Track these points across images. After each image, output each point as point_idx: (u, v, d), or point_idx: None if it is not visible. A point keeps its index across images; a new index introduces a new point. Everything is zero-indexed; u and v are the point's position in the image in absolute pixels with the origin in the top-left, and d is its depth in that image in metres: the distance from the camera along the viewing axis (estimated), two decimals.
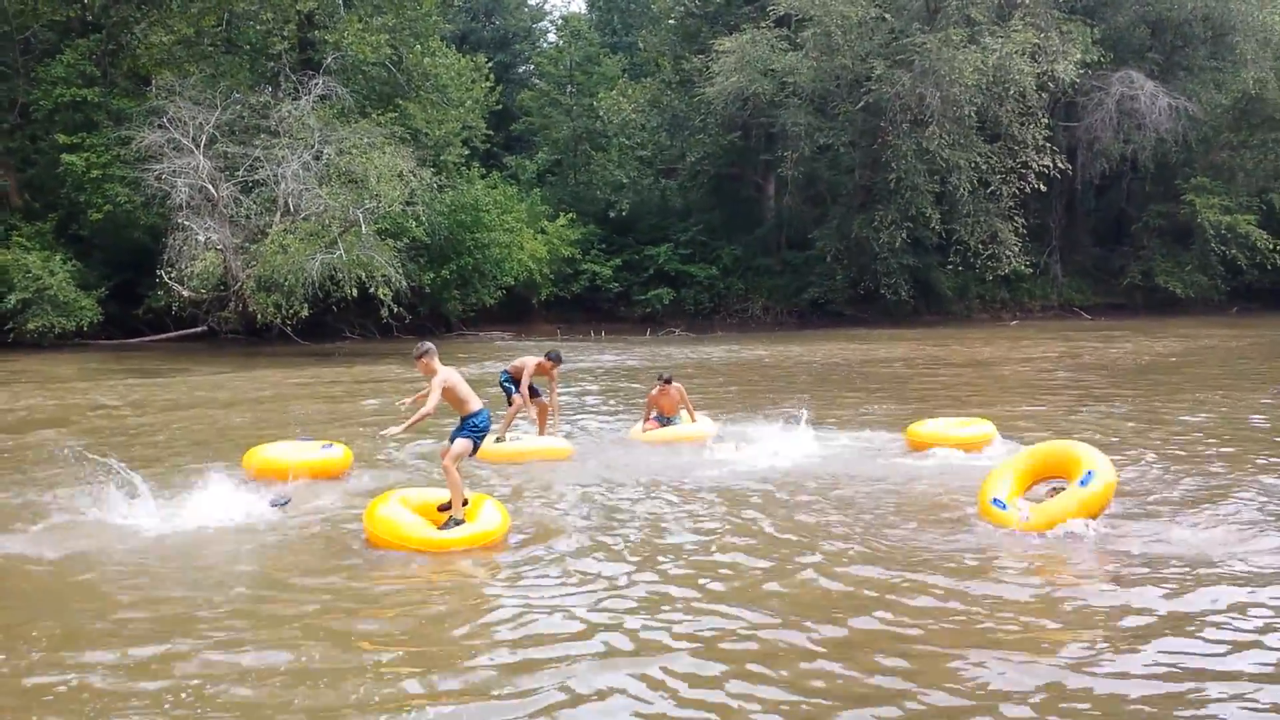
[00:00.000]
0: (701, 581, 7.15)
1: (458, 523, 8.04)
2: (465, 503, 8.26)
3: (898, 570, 7.32)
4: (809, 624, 6.24)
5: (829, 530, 8.49)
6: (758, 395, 17.84)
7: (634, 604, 6.69)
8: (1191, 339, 29.69)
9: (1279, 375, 20.30)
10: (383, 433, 8.84)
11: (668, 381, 13.24)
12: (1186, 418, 14.43)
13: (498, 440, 11.85)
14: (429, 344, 8.53)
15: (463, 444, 8.31)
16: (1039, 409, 15.89)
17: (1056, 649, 5.86)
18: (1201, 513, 8.84)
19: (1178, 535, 8.12)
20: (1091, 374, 20.98)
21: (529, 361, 12.37)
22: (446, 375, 8.32)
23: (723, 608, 6.57)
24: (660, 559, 7.71)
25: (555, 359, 12.51)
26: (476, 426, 8.40)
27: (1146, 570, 7.27)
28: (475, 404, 8.45)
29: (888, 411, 15.52)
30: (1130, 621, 6.30)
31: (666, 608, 6.62)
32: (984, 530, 8.39)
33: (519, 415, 12.50)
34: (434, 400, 8.20)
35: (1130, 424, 13.92)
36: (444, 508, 8.25)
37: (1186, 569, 7.25)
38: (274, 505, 8.95)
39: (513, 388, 12.30)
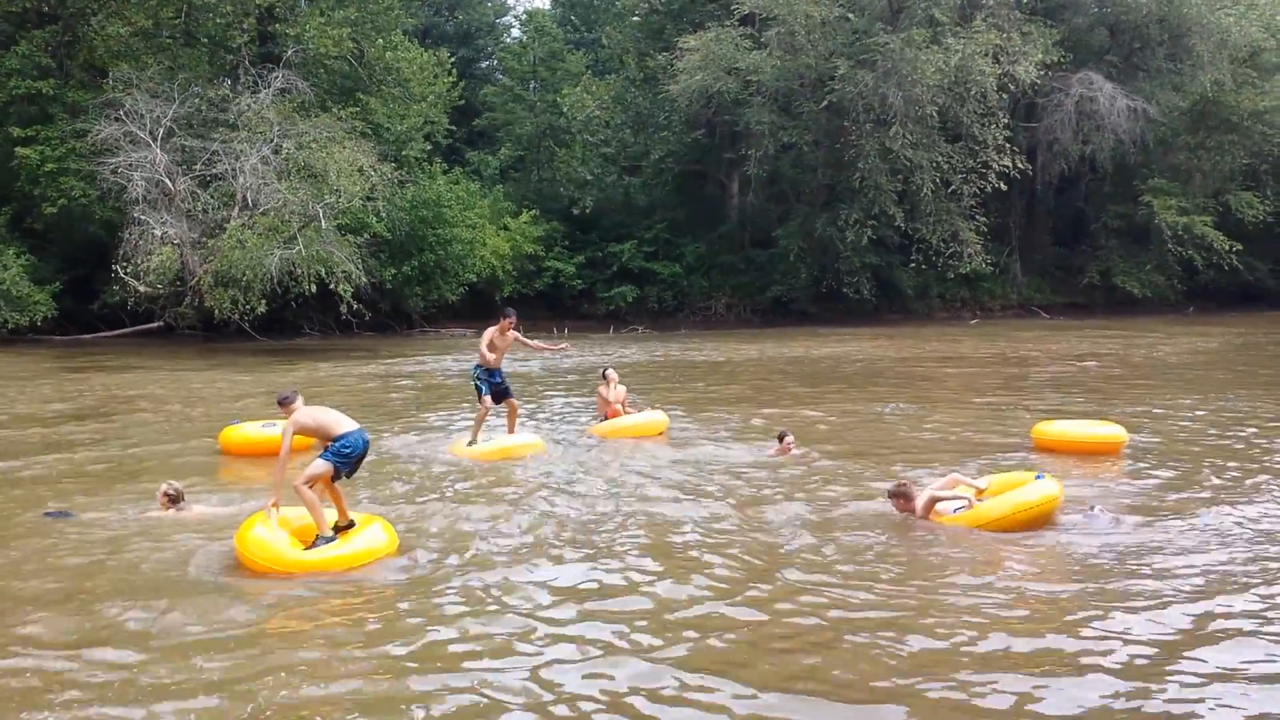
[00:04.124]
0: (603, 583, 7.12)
1: (327, 540, 7.73)
2: (352, 523, 7.94)
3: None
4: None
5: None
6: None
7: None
8: (1203, 337, 29.63)
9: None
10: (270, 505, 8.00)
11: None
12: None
13: (470, 444, 11.81)
14: (289, 392, 8.19)
15: (321, 465, 7.86)
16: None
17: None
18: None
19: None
20: (1124, 369, 21.19)
21: (485, 335, 12.08)
22: (297, 417, 8.02)
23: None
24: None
25: (508, 316, 12.13)
26: (340, 450, 7.91)
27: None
28: (343, 428, 8.01)
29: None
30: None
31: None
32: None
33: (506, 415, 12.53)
34: (285, 447, 7.93)
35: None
36: (343, 528, 7.92)
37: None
38: (51, 515, 8.86)
39: (483, 386, 12.02)
